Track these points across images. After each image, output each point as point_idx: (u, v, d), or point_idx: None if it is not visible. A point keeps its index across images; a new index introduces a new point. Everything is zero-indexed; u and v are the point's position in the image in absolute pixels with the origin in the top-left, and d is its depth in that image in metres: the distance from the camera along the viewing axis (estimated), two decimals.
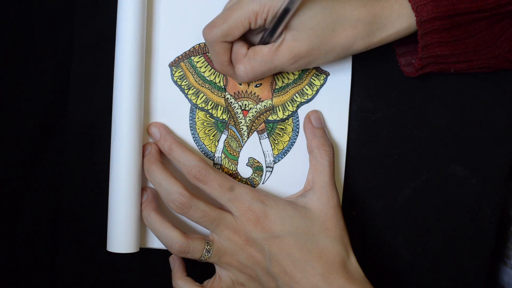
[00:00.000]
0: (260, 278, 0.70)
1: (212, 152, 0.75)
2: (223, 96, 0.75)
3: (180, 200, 0.70)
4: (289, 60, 0.67)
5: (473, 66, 0.71)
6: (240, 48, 0.69)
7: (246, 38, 0.70)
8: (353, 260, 0.70)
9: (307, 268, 0.69)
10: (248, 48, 0.69)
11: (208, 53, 0.74)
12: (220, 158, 0.75)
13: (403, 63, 0.74)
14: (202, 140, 0.75)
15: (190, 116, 0.75)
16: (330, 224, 0.70)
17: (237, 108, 0.75)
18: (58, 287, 0.78)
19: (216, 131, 0.75)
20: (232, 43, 0.69)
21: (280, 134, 0.75)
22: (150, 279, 0.78)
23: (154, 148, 0.73)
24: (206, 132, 0.75)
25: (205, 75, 0.75)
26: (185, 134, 0.75)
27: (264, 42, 0.68)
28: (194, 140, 0.75)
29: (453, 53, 0.70)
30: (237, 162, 0.76)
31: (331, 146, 0.73)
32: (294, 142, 0.75)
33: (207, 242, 0.71)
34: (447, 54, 0.70)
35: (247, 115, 0.75)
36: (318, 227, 0.70)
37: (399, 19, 0.68)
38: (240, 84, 0.75)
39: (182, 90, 0.75)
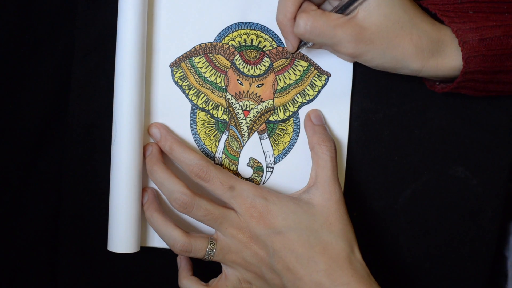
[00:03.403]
0: (265, 276, 0.70)
1: (212, 152, 0.75)
2: (224, 96, 0.75)
3: (182, 199, 0.70)
4: (351, 37, 0.66)
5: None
6: (310, 5, 0.68)
7: (320, 3, 0.70)
8: (358, 255, 0.70)
9: (310, 264, 0.68)
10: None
11: (209, 53, 0.74)
12: (220, 159, 0.75)
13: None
14: (203, 141, 0.75)
15: (190, 117, 0.75)
16: (333, 219, 0.70)
17: (238, 109, 0.75)
18: (59, 287, 0.78)
19: (216, 132, 0.75)
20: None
21: (280, 135, 0.75)
22: (151, 278, 0.78)
23: (156, 148, 0.73)
24: (207, 132, 0.75)
25: (206, 76, 0.75)
26: (186, 134, 0.75)
27: (336, 11, 0.68)
28: (195, 141, 0.75)
29: (477, 96, 0.72)
30: (238, 163, 0.75)
31: (332, 141, 0.73)
32: (295, 143, 0.75)
33: (211, 241, 0.71)
34: (471, 94, 0.71)
35: (248, 116, 0.75)
36: (321, 223, 0.70)
37: (457, 54, 0.68)
38: (242, 84, 0.75)
39: (183, 91, 0.75)
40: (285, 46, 0.74)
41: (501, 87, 0.70)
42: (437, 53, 0.68)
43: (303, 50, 0.74)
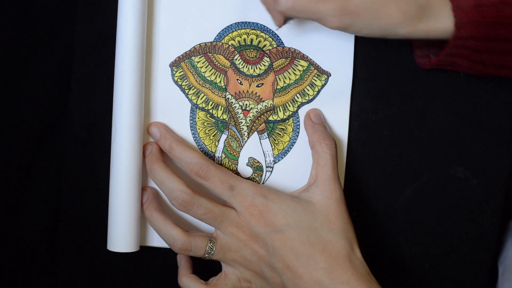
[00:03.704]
0: (265, 274, 0.70)
1: (212, 152, 0.75)
2: (223, 96, 0.75)
3: (182, 198, 0.70)
4: (335, 10, 0.65)
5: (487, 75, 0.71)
6: None
7: None
8: (358, 254, 0.70)
9: (310, 262, 0.68)
10: None
11: (209, 53, 0.74)
12: (220, 158, 0.75)
13: (418, 54, 0.74)
14: (203, 140, 0.75)
15: (190, 116, 0.75)
16: (333, 217, 0.70)
17: (238, 108, 0.75)
18: (59, 286, 0.78)
19: (216, 131, 0.75)
20: None
21: (280, 134, 0.75)
22: (151, 278, 0.78)
23: (155, 147, 0.73)
24: (207, 132, 0.75)
25: (205, 75, 0.75)
26: (186, 134, 0.75)
27: None
28: (195, 140, 0.75)
29: (473, 69, 0.70)
30: (237, 162, 0.75)
31: (333, 139, 0.73)
32: (294, 143, 0.75)
33: (210, 239, 0.71)
34: (467, 67, 0.70)
35: (248, 115, 0.75)
36: (321, 221, 0.70)
37: (448, 17, 0.66)
38: (241, 84, 0.75)
39: (183, 90, 0.75)
40: (285, 45, 0.74)
41: (496, 58, 0.68)
42: (426, 18, 0.66)
43: (291, 26, 0.73)
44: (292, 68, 0.75)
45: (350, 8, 0.65)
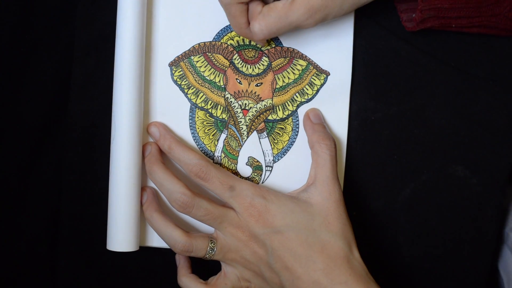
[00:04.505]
0: (264, 274, 0.70)
1: (211, 151, 0.75)
2: (223, 95, 0.75)
3: (182, 200, 0.70)
4: (305, 14, 0.66)
5: (474, 23, 0.70)
6: (255, 7, 0.68)
7: None
8: (356, 254, 0.70)
9: (308, 263, 0.68)
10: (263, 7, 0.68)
11: (208, 52, 0.74)
12: (219, 158, 0.75)
13: (404, 18, 0.74)
14: (202, 140, 0.75)
15: (189, 116, 0.75)
16: (332, 218, 0.70)
17: (237, 108, 0.75)
18: (58, 286, 0.78)
19: (215, 131, 0.75)
20: (248, 4, 0.68)
21: (279, 134, 0.76)
22: (150, 277, 0.78)
23: (155, 148, 0.73)
24: (206, 131, 0.75)
25: (204, 75, 0.75)
26: (185, 133, 0.75)
27: None
28: (194, 140, 0.75)
29: (453, 6, 0.69)
30: (237, 162, 0.76)
31: (332, 140, 0.73)
32: (294, 142, 0.75)
33: (211, 240, 0.71)
34: (447, 8, 0.69)
35: (247, 115, 0.75)
36: (320, 222, 0.70)
37: None
38: (240, 83, 0.75)
39: (182, 90, 0.75)
40: (283, 45, 0.75)
41: None
42: None
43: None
44: (291, 67, 0.75)
45: (317, 5, 0.66)
